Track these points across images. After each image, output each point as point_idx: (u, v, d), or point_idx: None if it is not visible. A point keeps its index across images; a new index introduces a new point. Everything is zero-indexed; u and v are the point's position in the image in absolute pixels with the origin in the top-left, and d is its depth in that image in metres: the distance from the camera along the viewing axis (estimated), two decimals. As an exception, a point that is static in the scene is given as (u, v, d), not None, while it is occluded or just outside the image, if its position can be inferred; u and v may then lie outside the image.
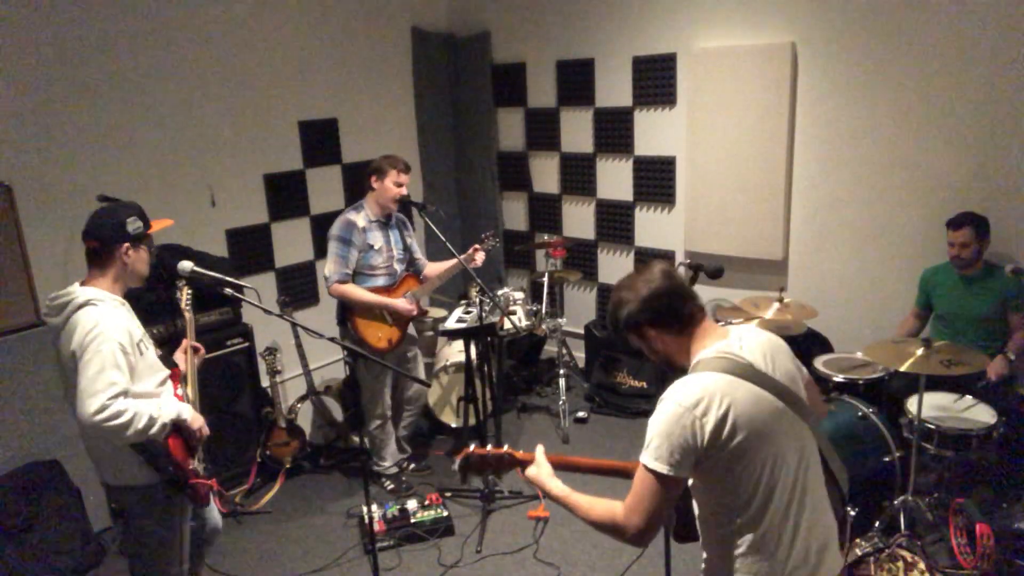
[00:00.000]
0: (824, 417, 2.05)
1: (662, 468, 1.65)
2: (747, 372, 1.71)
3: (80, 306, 2.32)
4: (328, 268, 3.80)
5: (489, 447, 2.06)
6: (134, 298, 2.64)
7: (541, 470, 1.96)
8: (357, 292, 3.81)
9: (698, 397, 1.66)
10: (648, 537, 1.70)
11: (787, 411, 1.73)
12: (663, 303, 1.79)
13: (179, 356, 2.79)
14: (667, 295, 1.79)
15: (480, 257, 3.94)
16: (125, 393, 2.29)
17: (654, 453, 1.67)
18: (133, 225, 2.43)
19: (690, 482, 1.76)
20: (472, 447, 2.06)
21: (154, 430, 2.34)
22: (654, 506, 1.67)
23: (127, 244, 2.42)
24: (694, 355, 1.78)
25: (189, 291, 2.81)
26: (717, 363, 1.72)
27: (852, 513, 2.83)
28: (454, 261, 3.82)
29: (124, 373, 2.29)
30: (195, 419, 2.54)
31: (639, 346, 1.88)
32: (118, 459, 2.43)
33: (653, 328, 1.81)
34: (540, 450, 2.02)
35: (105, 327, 2.28)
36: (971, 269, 3.65)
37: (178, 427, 2.48)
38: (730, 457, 1.66)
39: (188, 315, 2.81)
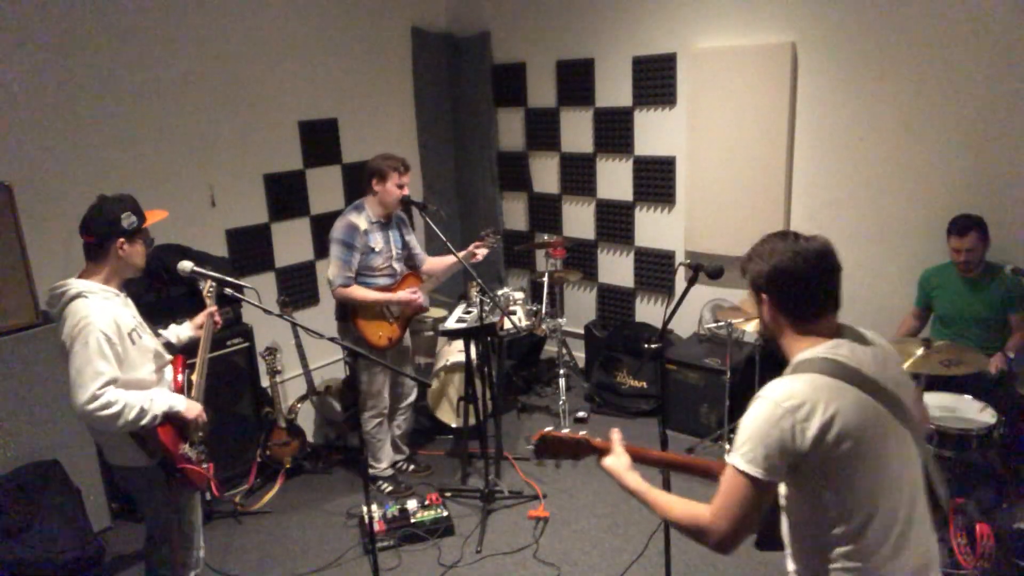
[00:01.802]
0: (926, 431, 1.90)
1: (755, 472, 1.55)
2: (855, 377, 1.59)
3: (72, 298, 2.39)
4: (331, 272, 3.80)
5: (566, 431, 2.01)
6: (133, 300, 2.67)
7: (620, 460, 1.88)
8: (360, 293, 3.82)
9: (801, 400, 1.55)
10: (734, 544, 1.60)
11: (894, 422, 1.62)
12: (789, 284, 1.65)
13: (199, 324, 2.84)
14: (799, 279, 1.65)
15: (481, 253, 3.94)
16: (114, 381, 2.36)
17: (747, 455, 1.57)
18: (127, 220, 2.47)
19: (782, 490, 1.67)
20: (550, 428, 2.03)
21: (144, 421, 2.40)
22: (743, 512, 1.57)
23: (122, 239, 2.47)
24: (800, 351, 1.66)
25: (213, 283, 2.84)
26: (824, 365, 1.60)
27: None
28: (455, 258, 3.83)
29: (111, 362, 2.36)
30: (190, 408, 2.57)
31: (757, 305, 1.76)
32: (118, 441, 2.49)
33: (772, 301, 1.69)
34: (617, 439, 1.95)
35: (92, 319, 2.35)
36: (974, 271, 3.65)
37: (172, 417, 2.52)
38: (831, 467, 1.56)
39: (210, 302, 2.86)
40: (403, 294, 3.89)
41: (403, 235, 4.03)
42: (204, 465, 2.64)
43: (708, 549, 1.64)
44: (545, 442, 2.01)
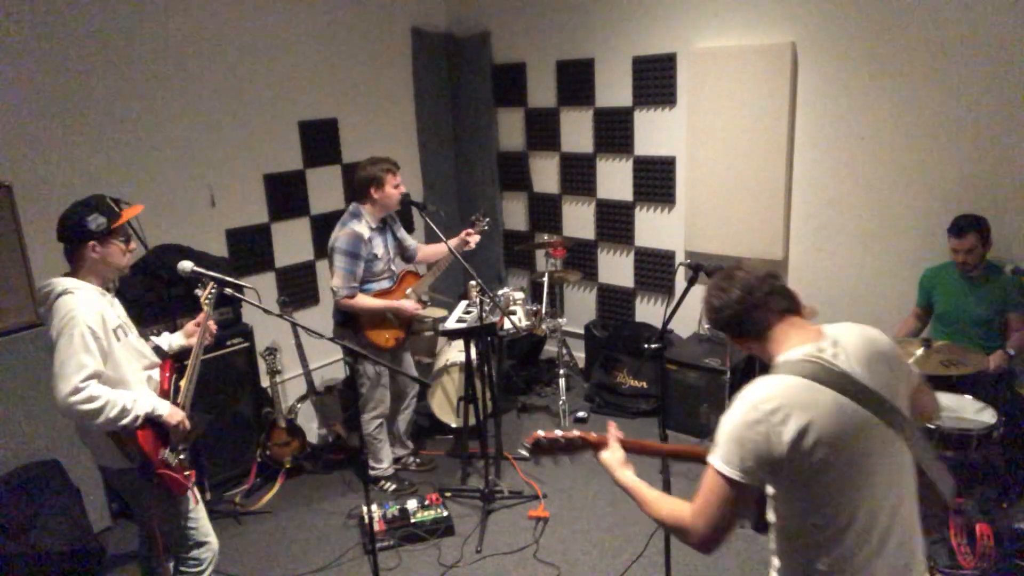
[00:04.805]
0: (933, 420, 1.85)
1: (732, 473, 1.56)
2: (836, 380, 1.57)
3: (59, 295, 2.41)
4: (336, 282, 3.76)
5: (559, 431, 2.01)
6: (133, 301, 2.67)
7: (614, 455, 1.90)
8: (365, 302, 3.81)
9: (778, 403, 1.54)
10: (714, 543, 1.62)
11: (880, 425, 1.58)
12: (734, 314, 1.73)
13: (190, 332, 2.84)
14: (737, 305, 1.73)
15: (474, 240, 3.98)
16: (98, 376, 2.37)
17: (724, 456, 1.57)
18: (95, 222, 2.45)
19: (768, 489, 1.66)
20: (542, 432, 2.03)
21: (125, 421, 2.40)
22: (721, 511, 1.57)
23: (93, 241, 2.46)
24: (776, 355, 1.68)
25: (214, 288, 2.83)
26: (803, 367, 1.59)
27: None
28: (448, 246, 3.85)
29: (95, 357, 2.37)
30: (173, 414, 2.56)
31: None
32: (102, 442, 2.50)
33: (731, 336, 1.78)
34: (613, 432, 1.96)
35: (77, 313, 2.36)
36: (974, 271, 3.65)
37: (153, 420, 2.51)
38: (809, 472, 1.54)
39: (207, 309, 2.83)
40: (406, 304, 3.90)
41: (394, 232, 4.05)
42: (186, 472, 2.63)
43: (691, 547, 1.65)
44: (539, 445, 2.02)
